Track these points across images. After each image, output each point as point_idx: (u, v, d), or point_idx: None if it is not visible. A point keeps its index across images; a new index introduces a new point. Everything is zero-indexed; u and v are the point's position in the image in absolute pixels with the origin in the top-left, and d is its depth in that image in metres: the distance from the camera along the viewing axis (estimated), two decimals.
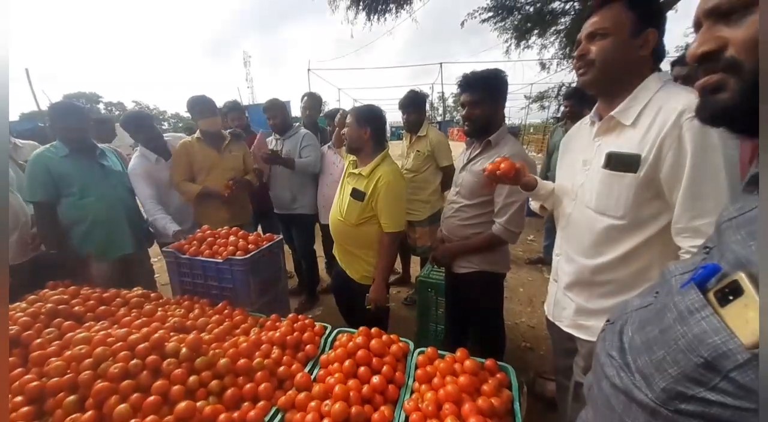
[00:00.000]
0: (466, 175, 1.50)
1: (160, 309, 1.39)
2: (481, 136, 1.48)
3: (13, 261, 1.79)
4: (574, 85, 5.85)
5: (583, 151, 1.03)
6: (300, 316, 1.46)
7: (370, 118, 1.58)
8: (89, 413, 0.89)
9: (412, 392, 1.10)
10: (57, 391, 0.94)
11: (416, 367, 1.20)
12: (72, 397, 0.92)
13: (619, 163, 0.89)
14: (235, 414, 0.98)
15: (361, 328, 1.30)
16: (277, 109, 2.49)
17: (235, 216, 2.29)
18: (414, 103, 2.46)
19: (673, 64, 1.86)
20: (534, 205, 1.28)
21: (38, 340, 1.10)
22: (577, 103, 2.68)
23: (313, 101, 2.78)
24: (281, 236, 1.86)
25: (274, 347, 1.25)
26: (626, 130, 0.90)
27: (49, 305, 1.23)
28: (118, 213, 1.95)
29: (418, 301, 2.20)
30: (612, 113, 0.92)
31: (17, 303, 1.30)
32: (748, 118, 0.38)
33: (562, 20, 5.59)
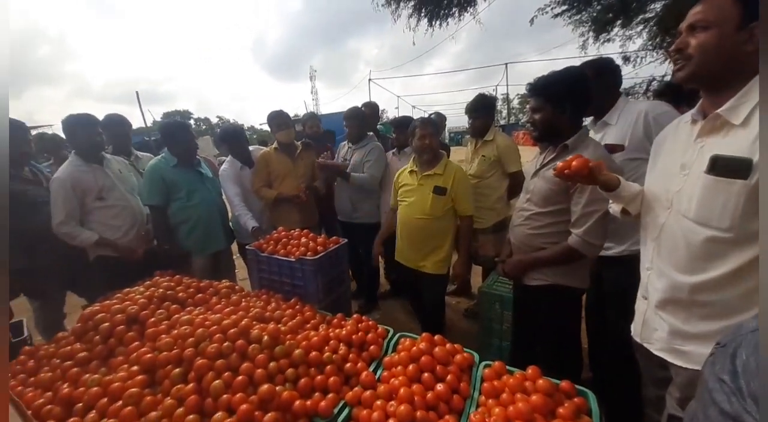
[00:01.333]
0: (538, 182, 1.42)
1: (243, 300, 1.56)
2: (555, 141, 1.39)
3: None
4: (667, 78, 5.14)
5: (682, 154, 0.91)
6: (363, 317, 1.51)
7: (438, 127, 1.94)
8: (191, 385, 1.03)
9: (478, 405, 1.07)
10: (166, 364, 1.11)
11: (482, 380, 1.17)
12: (177, 370, 1.08)
13: (725, 167, 0.77)
14: (308, 402, 1.05)
15: (423, 334, 1.30)
16: (355, 118, 2.57)
17: (304, 219, 2.49)
18: (483, 107, 2.41)
19: None
20: (614, 208, 1.15)
21: (152, 319, 1.32)
22: (671, 101, 2.36)
23: (370, 110, 2.90)
24: (346, 240, 1.96)
25: (341, 344, 1.31)
26: (735, 130, 0.79)
27: (161, 290, 1.47)
28: (214, 214, 2.26)
29: (481, 314, 2.11)
30: (719, 111, 0.81)
31: (136, 287, 1.57)
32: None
33: (652, 7, 4.95)
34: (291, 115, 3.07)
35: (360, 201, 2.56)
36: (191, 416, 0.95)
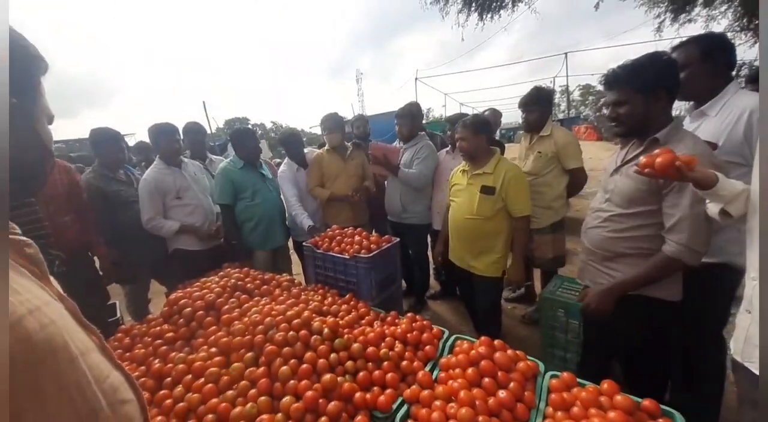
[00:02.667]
0: (620, 180, 1.28)
1: (302, 293, 1.64)
2: (642, 135, 1.25)
3: (202, 247, 2.38)
4: (757, 63, 4.41)
5: None
6: (417, 317, 1.51)
7: (484, 126, 1.83)
8: (262, 369, 1.11)
9: (544, 416, 1.01)
10: (239, 348, 1.21)
11: (549, 391, 1.10)
12: (249, 354, 1.17)
13: None
14: (368, 396, 1.07)
15: (482, 338, 1.26)
16: (407, 117, 2.55)
17: (355, 218, 2.56)
18: (537, 101, 2.26)
19: None
20: (712, 209, 1.00)
21: (226, 307, 1.45)
22: None
23: (417, 110, 2.86)
24: (398, 239, 1.97)
25: (397, 342, 1.32)
26: None
27: (232, 281, 1.60)
28: (274, 213, 2.42)
29: (542, 322, 1.98)
30: None
31: (211, 278, 1.74)
32: None
33: None
34: None
35: (411, 201, 2.54)
36: (263, 397, 1.02)
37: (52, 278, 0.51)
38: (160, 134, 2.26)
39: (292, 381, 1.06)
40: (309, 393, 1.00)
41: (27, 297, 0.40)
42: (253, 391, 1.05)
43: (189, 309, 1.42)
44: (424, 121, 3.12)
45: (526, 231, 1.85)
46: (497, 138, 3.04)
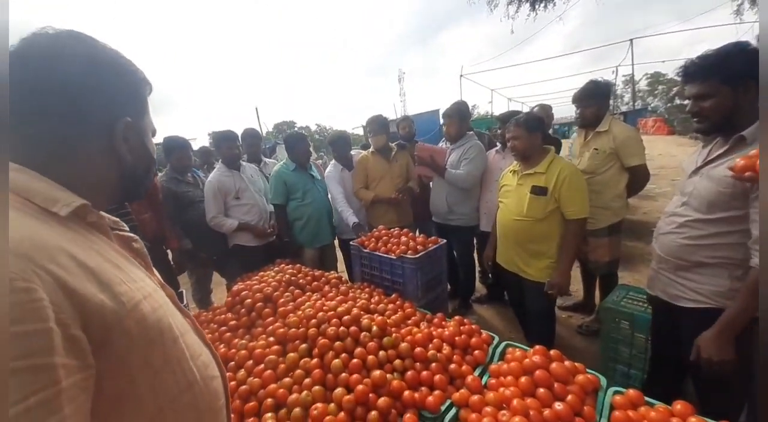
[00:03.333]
0: (701, 182, 1.15)
1: (350, 291, 1.69)
2: (727, 133, 1.11)
3: (257, 243, 2.56)
4: None
5: None
6: (465, 320, 1.48)
7: (538, 123, 1.75)
8: (315, 360, 1.18)
9: None
10: (294, 339, 1.29)
11: (611, 407, 1.02)
12: (304, 345, 1.24)
13: None
14: (416, 395, 1.08)
15: (537, 347, 1.20)
16: (454, 116, 2.48)
17: (399, 219, 2.58)
18: (594, 95, 2.10)
19: None
20: None
21: (281, 299, 1.54)
22: None
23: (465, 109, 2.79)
24: (444, 240, 1.95)
25: (444, 344, 1.30)
26: None
27: (287, 276, 1.71)
28: (323, 213, 2.54)
29: (603, 334, 1.82)
30: None
31: (268, 272, 1.86)
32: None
33: None
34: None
35: (457, 203, 2.49)
36: (317, 387, 1.07)
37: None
38: (222, 140, 2.48)
39: (343, 374, 1.10)
40: (360, 387, 1.04)
41: (141, 284, 0.47)
42: (307, 380, 1.11)
43: (249, 300, 1.54)
44: (471, 119, 3.04)
45: (578, 235, 1.71)
46: (551, 134, 2.87)
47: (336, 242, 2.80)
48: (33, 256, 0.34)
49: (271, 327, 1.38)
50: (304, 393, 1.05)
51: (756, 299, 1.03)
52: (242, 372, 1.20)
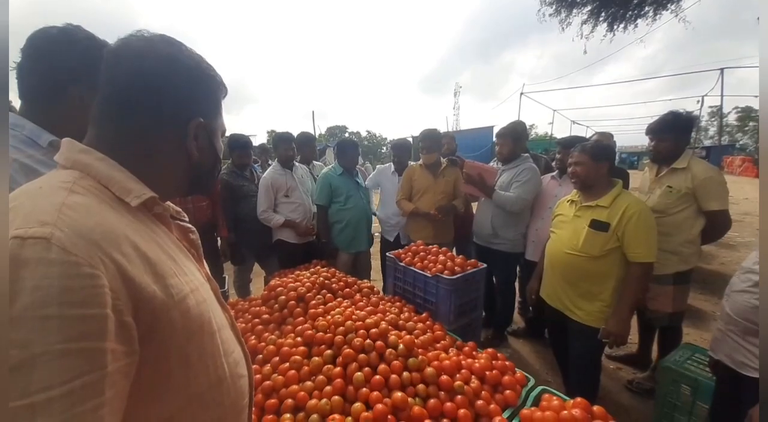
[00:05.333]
0: None
1: (380, 302, 1.67)
2: None
3: (298, 241, 2.65)
4: None
5: None
6: (499, 355, 1.38)
7: (607, 153, 1.63)
8: (338, 369, 1.17)
9: None
10: (320, 343, 1.29)
11: None
12: (329, 351, 1.24)
13: None
14: None
15: (578, 399, 1.08)
16: (508, 136, 2.41)
17: (438, 235, 2.51)
18: (672, 129, 1.89)
19: None
20: None
21: (313, 301, 1.57)
22: None
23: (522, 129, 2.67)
24: (485, 265, 1.85)
25: (473, 376, 1.22)
26: None
27: (321, 278, 1.73)
28: (362, 219, 2.58)
29: (659, 396, 1.60)
30: None
31: (304, 272, 1.91)
32: None
33: None
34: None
35: (503, 226, 2.37)
36: (336, 397, 1.06)
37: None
38: (280, 141, 2.64)
39: (364, 389, 1.08)
40: (379, 406, 1.00)
41: (191, 278, 0.49)
42: (328, 388, 1.10)
43: (283, 297, 1.59)
44: (528, 140, 2.90)
45: (643, 280, 1.53)
46: (616, 164, 2.63)
47: (371, 249, 2.82)
48: (102, 244, 0.37)
49: (300, 327, 1.40)
50: (324, 400, 1.04)
51: None
52: (268, 367, 1.23)
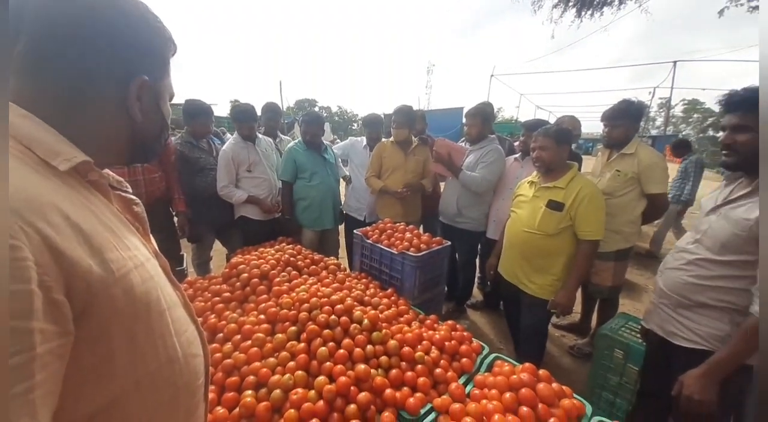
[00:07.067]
0: (717, 221, 1.10)
1: (347, 279, 1.68)
2: (753, 172, 1.05)
3: (262, 218, 2.56)
4: None
5: None
6: (458, 326, 1.46)
7: (568, 137, 1.70)
8: (302, 344, 1.17)
9: None
10: (284, 320, 1.28)
11: None
12: (293, 328, 1.23)
13: None
14: (398, 394, 1.07)
15: (526, 364, 1.17)
16: (479, 117, 2.43)
17: (406, 214, 2.54)
18: (624, 116, 2.02)
19: None
20: None
21: (277, 279, 1.54)
22: None
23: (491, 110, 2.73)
24: (449, 243, 1.92)
25: (433, 347, 1.29)
26: None
27: (286, 256, 1.70)
28: (328, 196, 2.52)
29: (595, 359, 1.79)
30: None
31: (268, 249, 1.86)
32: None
33: None
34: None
35: (467, 206, 2.45)
36: (300, 372, 1.07)
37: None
38: (239, 114, 2.46)
39: (328, 363, 1.10)
40: (342, 379, 1.03)
41: (135, 253, 0.45)
42: (291, 364, 1.10)
43: (246, 274, 1.54)
44: (494, 121, 2.96)
45: (590, 257, 1.65)
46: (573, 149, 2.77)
47: (342, 227, 2.81)
48: (23, 212, 0.32)
49: (263, 305, 1.38)
50: (287, 376, 1.05)
51: (749, 346, 1.00)
52: (229, 345, 1.20)
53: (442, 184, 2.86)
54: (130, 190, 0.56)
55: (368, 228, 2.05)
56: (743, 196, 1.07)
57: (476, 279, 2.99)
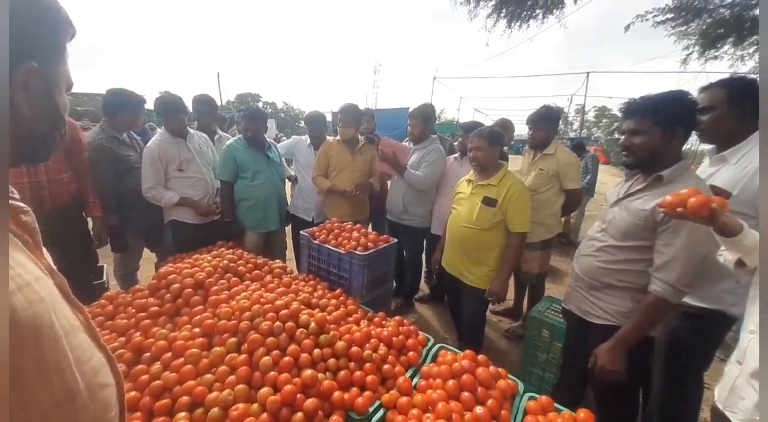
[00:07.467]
0: (619, 212, 1.28)
1: (293, 282, 1.63)
2: (647, 170, 1.24)
3: (198, 221, 2.36)
4: None
5: None
6: (405, 321, 1.50)
7: (500, 138, 1.84)
8: (243, 356, 1.10)
9: None
10: (223, 331, 1.20)
11: (525, 412, 1.10)
12: (233, 339, 1.16)
13: None
14: (346, 396, 1.07)
15: (467, 352, 1.25)
16: (421, 117, 2.49)
17: (354, 213, 2.54)
18: (545, 120, 2.27)
19: None
20: (728, 257, 0.98)
21: (215, 287, 1.43)
22: None
23: (432, 111, 2.84)
24: (396, 240, 1.96)
25: (381, 344, 1.31)
26: None
27: (225, 261, 1.59)
28: (272, 197, 2.40)
29: (526, 339, 1.99)
30: None
31: (204, 255, 1.72)
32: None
33: None
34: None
35: (413, 203, 2.52)
36: (241, 386, 1.01)
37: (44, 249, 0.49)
38: (163, 106, 2.22)
39: (272, 373, 1.05)
40: (288, 387, 1.00)
41: (18, 272, 0.38)
42: (231, 378, 1.04)
43: (177, 285, 1.40)
44: (436, 122, 3.08)
45: (519, 248, 1.81)
46: (505, 149, 3.02)
47: (289, 228, 2.71)
48: None
49: (198, 317, 1.27)
50: (226, 391, 0.98)
51: (648, 320, 1.19)
52: (158, 365, 1.09)
53: (389, 182, 2.91)
54: (16, 196, 0.47)
55: (315, 228, 2.01)
56: (640, 190, 1.24)
57: (423, 274, 3.10)
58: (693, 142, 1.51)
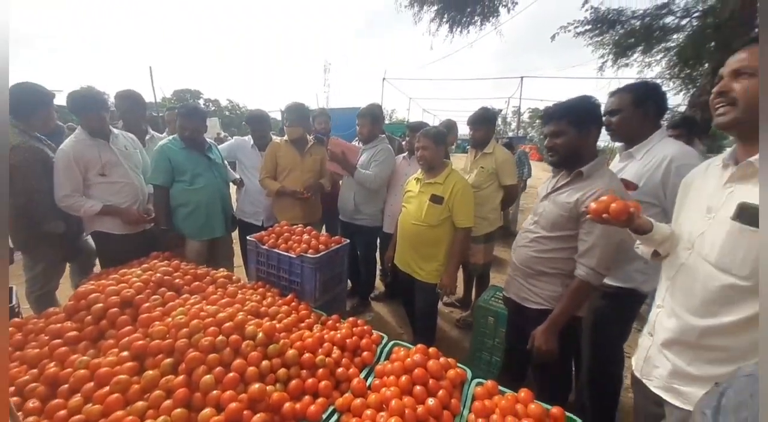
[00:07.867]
0: (548, 205, 1.40)
1: (240, 291, 1.54)
2: (570, 167, 1.37)
3: (127, 231, 2.13)
4: (681, 108, 5.16)
5: (709, 197, 0.90)
6: (359, 322, 1.50)
7: (444, 138, 1.90)
8: (181, 377, 1.02)
9: None
10: (157, 352, 1.10)
11: (473, 398, 1.16)
12: (168, 360, 1.06)
13: (752, 216, 0.76)
14: (298, 405, 1.04)
15: (418, 346, 1.29)
16: (369, 117, 2.51)
17: (306, 215, 2.48)
18: (484, 120, 2.46)
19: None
20: (644, 250, 1.12)
21: (146, 304, 1.30)
22: (685, 133, 2.36)
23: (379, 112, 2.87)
24: (348, 241, 1.94)
25: (335, 347, 1.30)
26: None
27: (158, 275, 1.45)
28: (216, 202, 2.23)
29: (475, 327, 2.10)
30: (751, 159, 0.80)
31: (133, 269, 1.55)
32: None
33: (674, 37, 5.02)
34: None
35: (364, 203, 2.52)
36: (178, 410, 0.93)
37: None
38: (77, 102, 1.96)
39: (215, 392, 0.98)
40: (233, 405, 0.94)
41: None
42: (168, 402, 0.95)
43: (100, 304, 1.25)
44: (387, 122, 3.12)
45: (465, 242, 1.92)
46: (452, 148, 3.15)
47: (236, 234, 2.56)
48: None
49: (126, 339, 1.14)
50: (161, 418, 0.89)
51: (574, 302, 1.32)
52: (77, 398, 0.96)
53: (340, 183, 2.88)
54: None
55: (263, 233, 1.92)
56: (564, 185, 1.37)
57: (378, 272, 3.13)
58: (607, 140, 1.70)
